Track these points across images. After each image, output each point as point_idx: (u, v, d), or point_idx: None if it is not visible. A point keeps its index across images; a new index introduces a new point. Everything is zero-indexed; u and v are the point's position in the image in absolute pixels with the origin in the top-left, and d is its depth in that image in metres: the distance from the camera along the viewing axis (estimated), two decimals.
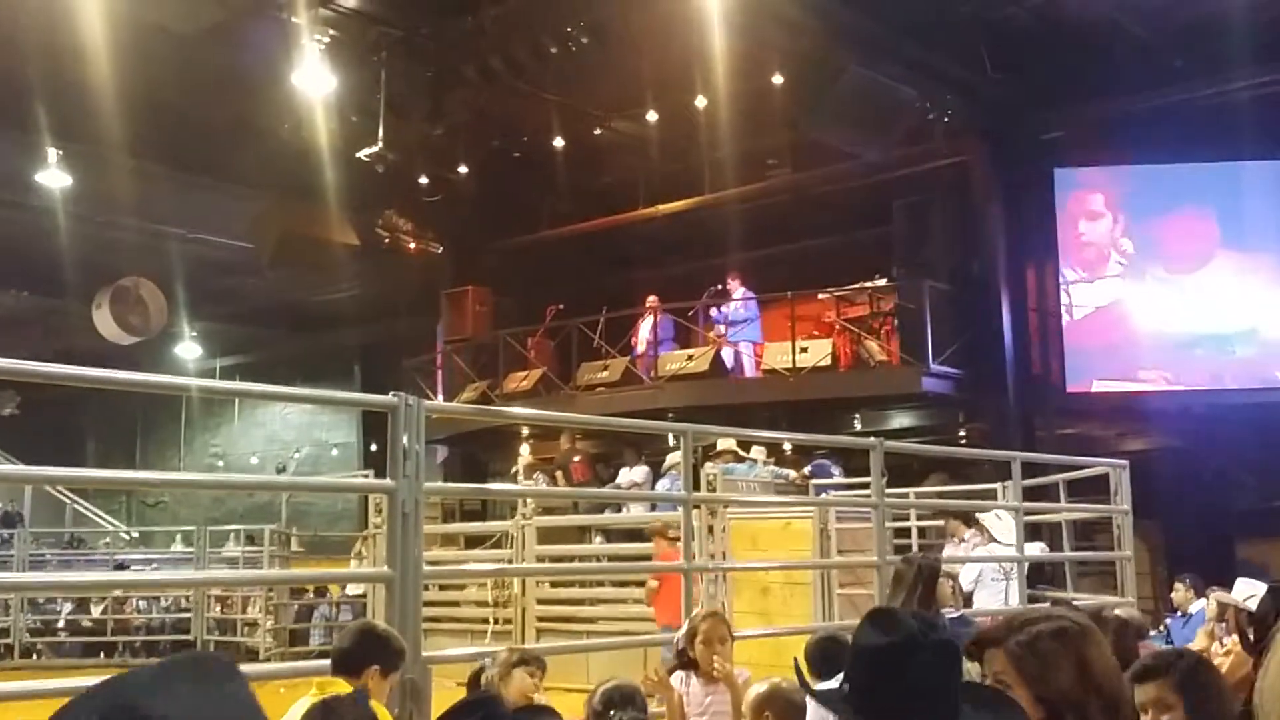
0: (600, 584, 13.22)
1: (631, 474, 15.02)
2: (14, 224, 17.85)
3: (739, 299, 16.50)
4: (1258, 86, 14.02)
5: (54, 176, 16.54)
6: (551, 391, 16.87)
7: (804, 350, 15.33)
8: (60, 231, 17.31)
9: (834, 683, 2.01)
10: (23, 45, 13.69)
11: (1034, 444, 14.01)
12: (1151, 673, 3.24)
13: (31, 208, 17.22)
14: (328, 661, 4.28)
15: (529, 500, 13.37)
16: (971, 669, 2.22)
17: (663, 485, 13.71)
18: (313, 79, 14.29)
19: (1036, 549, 10.47)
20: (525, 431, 17.24)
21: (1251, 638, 3.41)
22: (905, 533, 12.40)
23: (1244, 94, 14.07)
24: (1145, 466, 10.04)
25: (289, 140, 15.80)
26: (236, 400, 26.38)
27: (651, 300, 17.17)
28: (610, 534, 14.05)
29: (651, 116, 16.42)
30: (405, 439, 5.01)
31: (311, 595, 17.62)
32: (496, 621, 13.06)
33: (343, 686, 3.94)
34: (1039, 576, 11.76)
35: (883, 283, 15.93)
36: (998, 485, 11.34)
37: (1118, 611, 6.34)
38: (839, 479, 13.69)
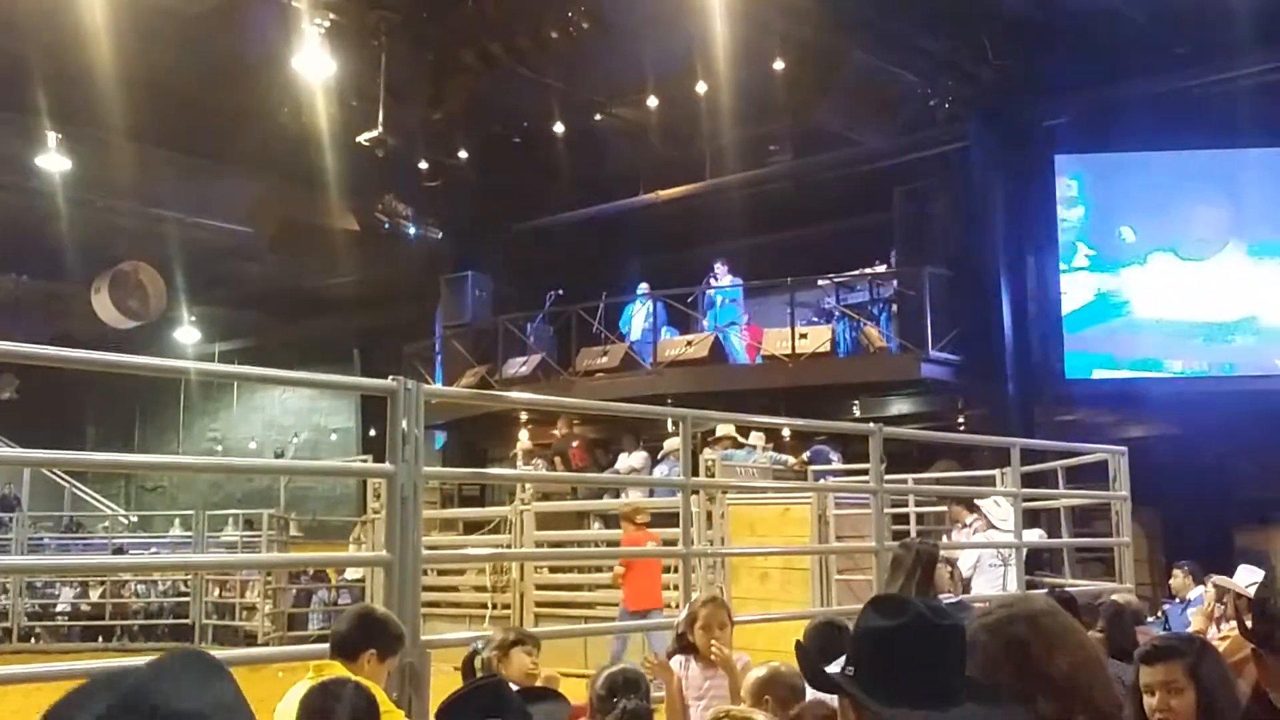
0: (598, 569, 13.20)
1: (630, 459, 15.02)
2: (13, 207, 17.81)
3: (726, 284, 16.50)
4: (1261, 74, 13.97)
5: (54, 160, 16.50)
6: (550, 377, 16.88)
7: (803, 336, 15.33)
8: (60, 215, 17.28)
9: (835, 667, 2.00)
10: (23, 28, 13.65)
11: (1033, 431, 14.00)
12: (1163, 654, 3.25)
13: (31, 191, 17.19)
14: (326, 645, 4.27)
15: (527, 485, 13.37)
16: None
17: (661, 471, 13.71)
18: (313, 63, 14.25)
19: (1035, 535, 10.47)
20: (524, 417, 17.25)
21: (1249, 624, 3.40)
22: (904, 519, 12.40)
23: (1247, 81, 14.03)
24: (1143, 453, 10.01)
25: (289, 125, 15.76)
26: (235, 385, 26.37)
27: (643, 287, 17.19)
28: (609, 519, 14.04)
29: (652, 102, 16.38)
30: (404, 423, 5.00)
31: (310, 580, 17.62)
32: (495, 606, 13.07)
33: (340, 670, 3.94)
34: (1037, 562, 11.77)
35: (882, 269, 15.91)
36: (996, 472, 11.34)
37: (1115, 598, 6.33)
38: (837, 465, 13.68)
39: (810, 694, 4.17)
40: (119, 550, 19.05)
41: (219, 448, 26.24)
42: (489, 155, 18.36)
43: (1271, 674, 2.05)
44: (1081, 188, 15.73)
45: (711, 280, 16.69)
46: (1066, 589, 9.39)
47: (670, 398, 14.98)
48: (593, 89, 16.85)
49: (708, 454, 12.32)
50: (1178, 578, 10.21)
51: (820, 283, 16.21)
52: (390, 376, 5.20)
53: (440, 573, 13.53)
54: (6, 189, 17.53)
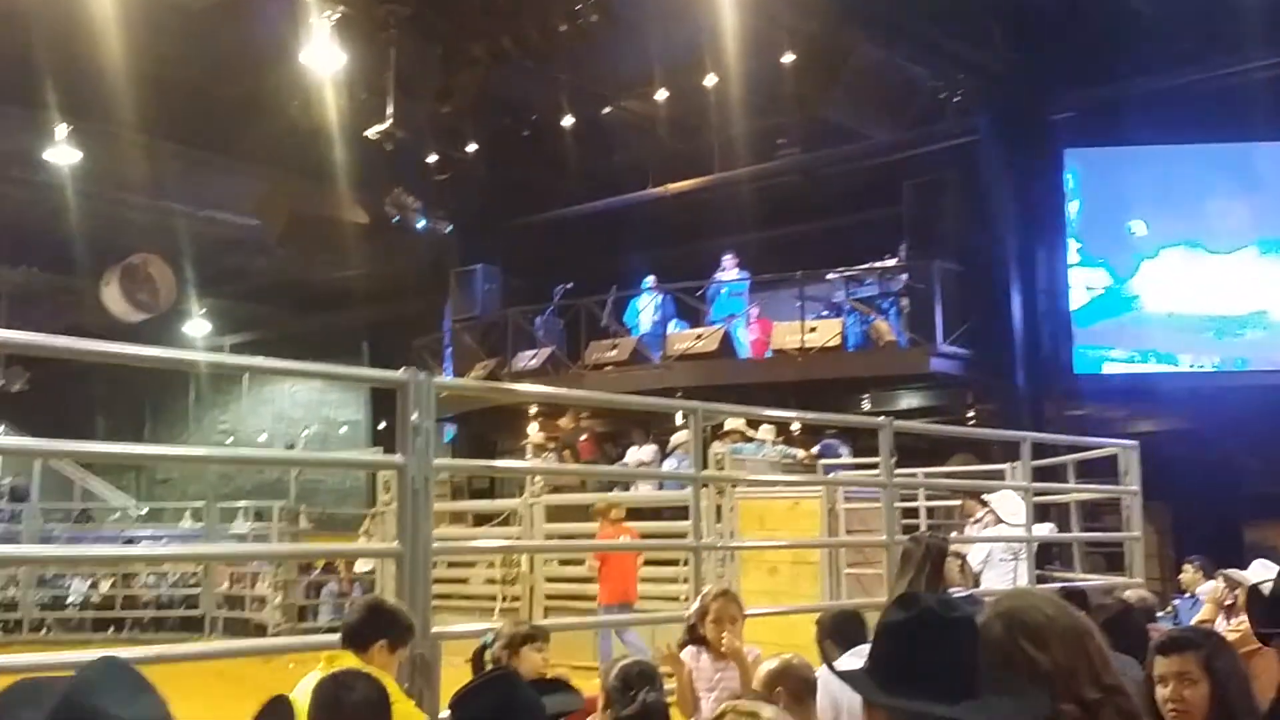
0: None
1: (639, 453, 15.03)
2: (23, 201, 17.85)
3: (732, 277, 16.48)
4: (1272, 67, 13.92)
5: (63, 153, 16.52)
6: (560, 370, 16.87)
7: (812, 330, 15.31)
8: (69, 208, 17.30)
9: (856, 659, 2.00)
10: (31, 20, 13.66)
11: (1042, 425, 13.97)
12: (1179, 645, 3.27)
13: (41, 184, 17.22)
14: (336, 636, 4.28)
15: (537, 478, 13.38)
16: None
17: (670, 464, 13.72)
18: (321, 56, 14.25)
19: (1045, 530, 10.45)
20: (533, 410, 17.25)
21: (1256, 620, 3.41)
22: (913, 513, 12.38)
23: (1259, 75, 13.97)
24: (1153, 448, 9.99)
25: (298, 118, 15.75)
26: (245, 378, 26.41)
27: (650, 280, 17.18)
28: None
29: (661, 95, 16.35)
30: (415, 415, 5.00)
31: (320, 572, 17.67)
32: (504, 599, 13.08)
33: (351, 660, 3.95)
34: (1047, 557, 11.75)
35: (892, 263, 15.89)
36: (1006, 466, 11.31)
37: (1126, 594, 6.31)
38: (847, 459, 13.67)
39: (822, 687, 4.17)
40: (129, 542, 19.11)
41: (229, 440, 26.29)
42: (497, 148, 18.35)
43: None
44: (1076, 181, 15.69)
45: (719, 273, 16.66)
46: (1076, 583, 9.38)
47: (679, 391, 14.95)
48: (601, 82, 16.83)
49: (717, 447, 12.32)
50: (1188, 573, 10.18)
51: (829, 276, 16.18)
52: (402, 368, 5.20)
53: (450, 565, 13.54)
54: (16, 182, 17.57)
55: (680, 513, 11.47)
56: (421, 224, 19.20)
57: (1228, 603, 7.39)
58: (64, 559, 16.01)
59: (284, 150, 16.91)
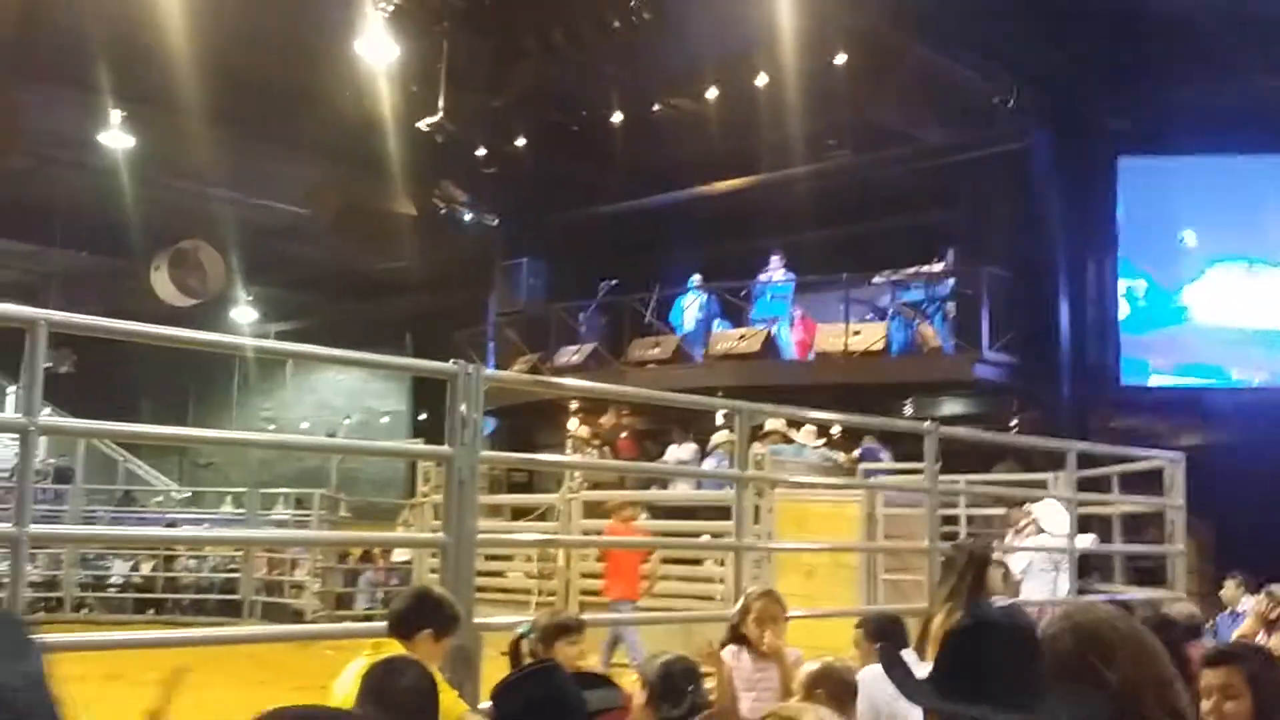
0: (645, 559, 13.23)
1: (679, 451, 15.05)
2: (76, 184, 18.09)
3: (778, 278, 16.45)
4: None
5: (117, 137, 16.73)
6: (602, 366, 16.92)
7: (857, 333, 15.27)
8: (122, 193, 17.51)
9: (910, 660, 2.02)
10: (88, 4, 13.85)
11: (1087, 435, 13.86)
12: (1225, 658, 3.26)
13: (94, 168, 17.44)
14: (373, 624, 4.32)
15: (576, 474, 13.43)
16: None
17: (710, 463, 13.73)
18: (375, 47, 14.38)
19: (1087, 541, 10.39)
20: (574, 405, 17.30)
21: None
22: (952, 520, 12.33)
23: None
24: (1197, 462, 9.89)
25: (350, 108, 15.90)
26: (288, 365, 26.63)
27: (696, 279, 17.17)
28: (656, 510, 14.08)
29: (711, 94, 16.35)
30: (464, 407, 5.04)
31: (357, 560, 17.81)
32: (540, 593, 13.13)
33: (397, 648, 3.99)
34: (1086, 569, 11.67)
35: (939, 267, 15.82)
36: (1050, 475, 11.25)
37: (1175, 609, 6.27)
38: (888, 463, 13.63)
39: (862, 691, 4.19)
40: (171, 525, 19.33)
41: (272, 427, 26.51)
42: (546, 143, 18.41)
43: None
44: (1127, 190, 15.58)
45: (763, 273, 16.63)
46: (1118, 596, 9.32)
47: (720, 390, 14.94)
48: (652, 79, 16.85)
49: (757, 448, 12.29)
50: (1229, 588, 10.10)
51: (875, 280, 16.14)
52: (451, 360, 5.24)
53: (488, 558, 13.61)
54: (69, 165, 17.82)
55: (718, 513, 11.49)
56: (468, 217, 19.32)
57: (1272, 617, 7.33)
58: (106, 539, 16.23)
59: (335, 140, 17.06)
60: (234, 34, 14.35)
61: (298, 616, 16.82)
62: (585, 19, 14.41)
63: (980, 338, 14.76)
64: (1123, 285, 15.54)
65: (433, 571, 11.69)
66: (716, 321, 16.85)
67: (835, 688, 4.09)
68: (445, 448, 5.03)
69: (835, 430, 14.47)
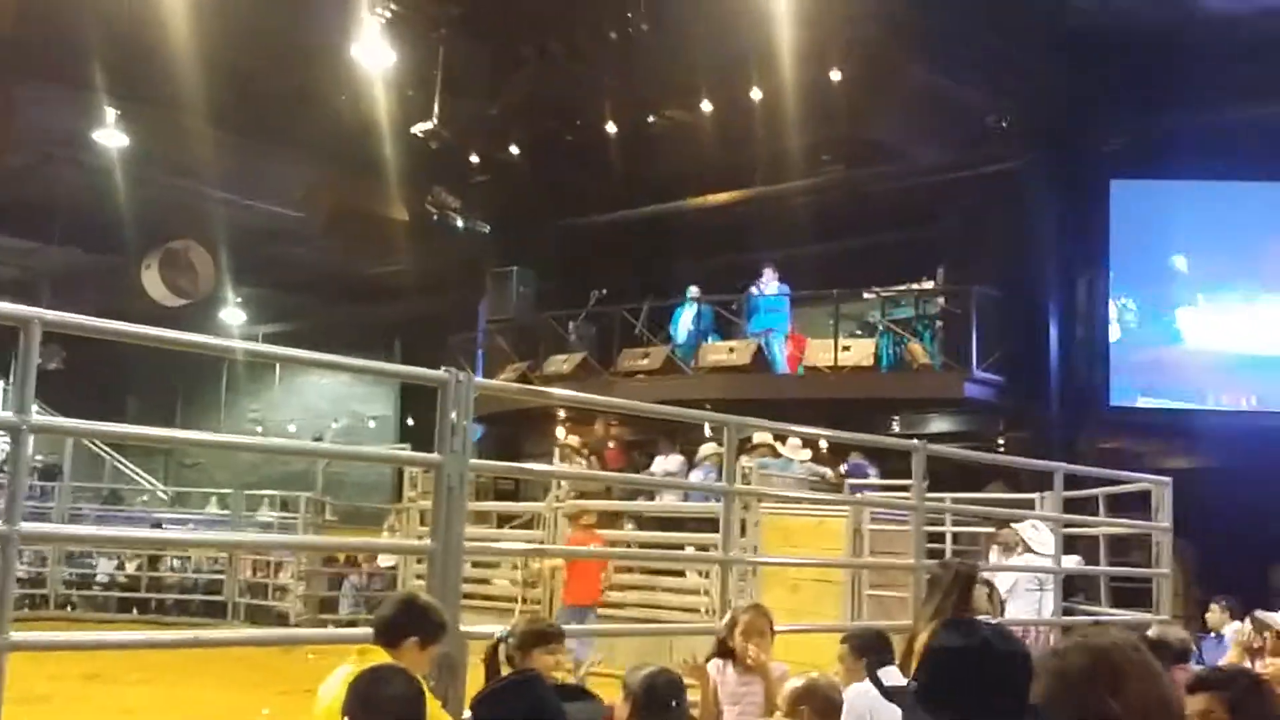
0: (629, 570, 13.25)
1: (666, 463, 15.05)
2: (70, 181, 18.03)
3: (772, 291, 16.46)
4: None
5: (112, 136, 16.69)
6: (591, 376, 16.91)
7: (846, 349, 15.29)
8: (115, 191, 17.47)
9: (895, 676, 2.02)
10: (85, 2, 13.83)
11: (1074, 456, 13.88)
12: (1206, 684, 3.25)
13: (88, 166, 17.40)
14: (357, 630, 4.29)
15: (563, 483, 13.42)
16: None
17: (697, 476, 13.74)
18: (372, 52, 14.39)
19: (1073, 562, 10.39)
20: (562, 414, 17.29)
21: None
22: (938, 538, 12.33)
23: None
24: (1185, 485, 9.92)
25: (345, 112, 15.90)
26: (277, 368, 26.55)
27: (693, 290, 17.15)
28: (642, 521, 14.08)
29: (706, 107, 16.38)
30: (454, 414, 5.04)
31: (343, 565, 17.76)
32: (524, 601, 13.12)
33: (382, 656, 3.97)
34: (1071, 590, 11.68)
35: (929, 285, 15.85)
36: (1036, 495, 11.26)
37: (1168, 634, 6.26)
38: (874, 480, 13.64)
39: (847, 707, 4.19)
40: (157, 525, 19.26)
41: (259, 429, 26.44)
42: (540, 151, 18.42)
43: None
44: (1120, 213, 15.65)
45: (756, 287, 16.64)
46: (1103, 618, 9.34)
47: (709, 403, 14.96)
48: (648, 89, 16.87)
49: (744, 461, 12.31)
50: (1214, 612, 10.11)
51: (866, 295, 16.18)
52: (442, 367, 5.24)
53: (474, 564, 13.58)
54: (63, 163, 17.76)
55: (704, 525, 11.50)
56: (460, 223, 19.29)
57: (1255, 645, 7.33)
58: (96, 540, 16.13)
59: (330, 143, 17.04)
60: (231, 35, 14.34)
61: (282, 619, 16.76)
62: (582, 29, 14.45)
63: (969, 356, 14.79)
64: (1113, 307, 15.60)
65: (418, 577, 11.68)
66: (711, 336, 16.83)
67: (820, 704, 4.08)
68: (434, 454, 5.02)
69: (823, 445, 14.48)
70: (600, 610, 12.61)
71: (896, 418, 16.32)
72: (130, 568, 18.60)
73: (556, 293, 19.23)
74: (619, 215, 19.01)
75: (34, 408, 4.05)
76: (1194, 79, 14.20)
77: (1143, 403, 15.43)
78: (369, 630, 4.20)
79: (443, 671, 4.67)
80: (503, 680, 3.62)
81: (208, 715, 10.42)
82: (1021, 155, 15.71)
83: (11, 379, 4.14)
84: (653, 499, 14.30)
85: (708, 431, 14.14)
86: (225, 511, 19.80)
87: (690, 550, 11.96)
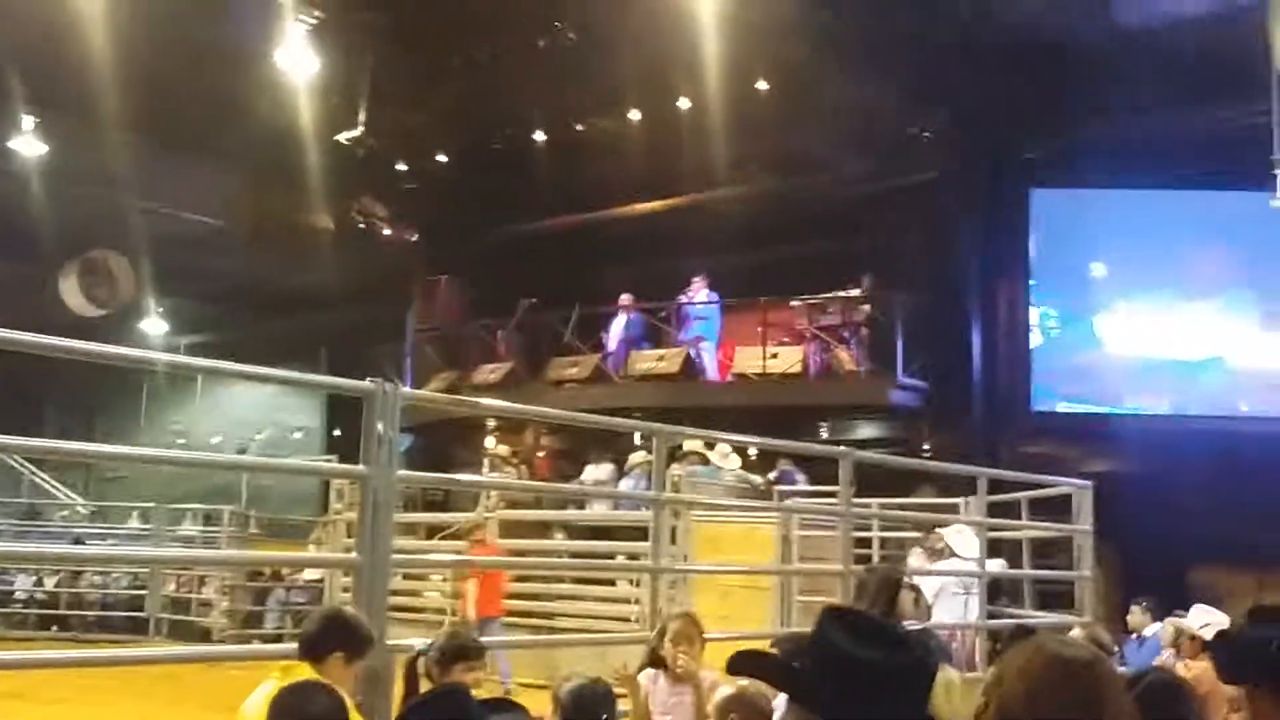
0: (560, 580, 13.21)
1: (596, 472, 15.01)
2: None
3: (701, 299, 16.51)
4: (1243, 116, 14.09)
5: (29, 144, 16.37)
6: (520, 385, 16.85)
7: (774, 356, 15.39)
8: (33, 200, 17.12)
9: None
10: (1, 10, 13.56)
11: (998, 461, 14.03)
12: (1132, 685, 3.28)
13: (4, 174, 17.04)
14: (282, 646, 4.22)
15: (492, 493, 13.35)
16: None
17: (626, 484, 13.72)
18: (296, 59, 14.22)
19: (997, 566, 10.52)
20: (491, 424, 17.20)
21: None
22: (866, 543, 12.43)
23: (1229, 124, 14.13)
24: (1105, 488, 10.08)
25: (268, 119, 15.71)
26: (199, 379, 26.14)
27: (625, 298, 17.13)
28: (572, 530, 14.04)
29: (634, 115, 16.42)
30: (380, 426, 4.98)
31: (267, 578, 17.51)
32: (454, 613, 13.01)
33: (307, 671, 3.91)
34: (996, 593, 11.82)
35: (855, 293, 15.99)
36: (961, 500, 11.38)
37: (1088, 633, 6.36)
38: (803, 486, 13.72)
39: (777, 715, 4.19)
40: (77, 540, 18.86)
41: (181, 441, 26.02)
42: (469, 160, 18.35)
43: (1261, 709, 2.06)
44: (1039, 221, 15.92)
45: (685, 295, 16.68)
46: (1027, 621, 9.45)
47: (639, 411, 14.97)
48: (575, 98, 16.88)
49: (674, 469, 12.33)
50: (1135, 614, 10.26)
51: (793, 303, 16.28)
52: (367, 378, 5.18)
53: (404, 577, 13.46)
54: None
55: (634, 533, 11.48)
56: (387, 232, 19.16)
57: (1178, 650, 7.48)
58: (15, 557, 15.76)
59: (253, 151, 16.84)
60: (151, 42, 14.12)
61: (205, 635, 16.49)
62: (510, 39, 14.42)
63: (895, 363, 14.96)
64: (1034, 313, 15.84)
65: (345, 590, 11.55)
66: (641, 344, 16.82)
67: (749, 713, 4.08)
68: (361, 467, 4.96)
69: (752, 452, 14.54)
70: (530, 621, 12.61)
71: (824, 424, 16.44)
72: (49, 584, 18.19)
73: (485, 302, 19.13)
74: (548, 223, 18.97)
75: None
76: (1111, 90, 14.46)
77: (1063, 407, 15.68)
78: (294, 646, 4.14)
79: (369, 686, 4.61)
80: (427, 695, 3.58)
81: None
82: (943, 165, 15.91)
83: None
84: (583, 508, 14.27)
85: (638, 440, 14.14)
86: (147, 526, 19.42)
87: (621, 559, 11.94)
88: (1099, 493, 9.76)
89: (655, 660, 5.09)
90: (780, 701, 3.95)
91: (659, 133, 16.65)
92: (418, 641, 4.63)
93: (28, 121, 15.96)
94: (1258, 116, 13.29)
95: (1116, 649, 7.82)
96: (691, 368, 16.02)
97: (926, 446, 16.33)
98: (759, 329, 16.00)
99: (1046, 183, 15.89)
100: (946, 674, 3.97)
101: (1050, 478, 10.39)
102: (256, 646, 11.10)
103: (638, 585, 11.73)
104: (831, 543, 9.10)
